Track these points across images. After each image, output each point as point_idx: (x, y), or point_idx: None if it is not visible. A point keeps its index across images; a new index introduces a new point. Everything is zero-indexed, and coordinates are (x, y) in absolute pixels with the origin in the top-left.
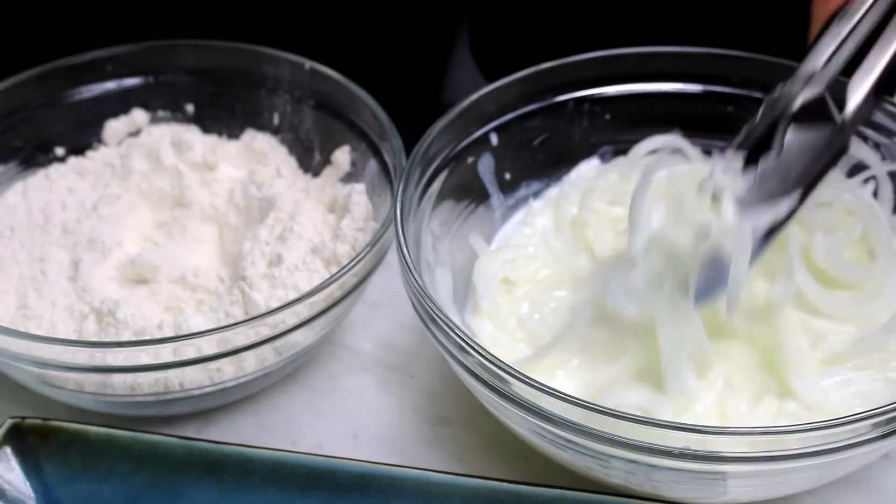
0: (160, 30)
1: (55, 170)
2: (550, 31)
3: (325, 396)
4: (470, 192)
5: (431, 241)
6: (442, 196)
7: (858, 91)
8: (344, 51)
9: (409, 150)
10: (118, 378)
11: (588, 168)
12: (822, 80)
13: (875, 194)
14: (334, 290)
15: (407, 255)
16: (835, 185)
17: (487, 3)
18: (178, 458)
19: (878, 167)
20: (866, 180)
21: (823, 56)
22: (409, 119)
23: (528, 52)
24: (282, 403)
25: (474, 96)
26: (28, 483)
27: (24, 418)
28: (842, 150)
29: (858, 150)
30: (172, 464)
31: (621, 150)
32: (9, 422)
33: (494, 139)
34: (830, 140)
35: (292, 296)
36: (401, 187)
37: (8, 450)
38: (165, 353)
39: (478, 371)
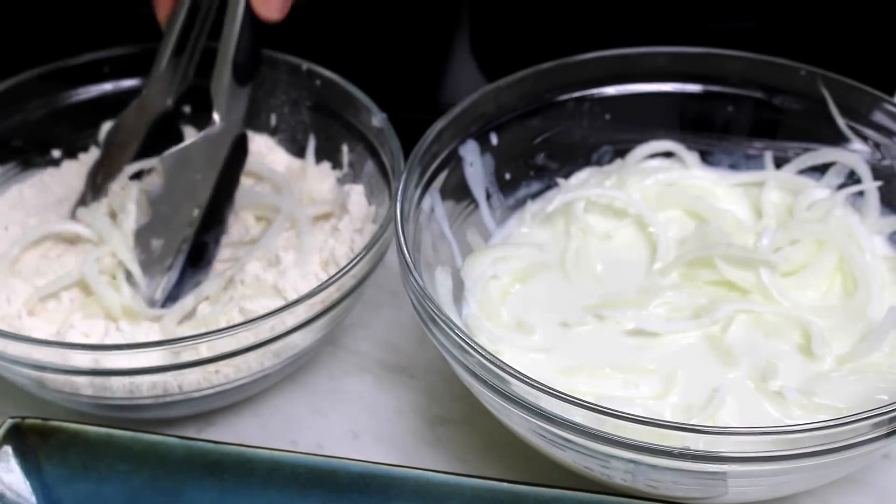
0: (160, 30)
1: (49, 174)
2: (550, 31)
3: (324, 396)
4: (470, 192)
5: (431, 241)
6: (442, 196)
7: (219, 83)
8: (344, 51)
9: (408, 150)
10: (117, 381)
11: (586, 173)
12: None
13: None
14: (332, 292)
15: (407, 255)
16: (802, 216)
17: (488, 3)
18: (178, 458)
19: (866, 174)
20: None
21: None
22: (408, 119)
23: (528, 52)
24: (282, 403)
25: (474, 96)
26: (28, 483)
27: (24, 418)
28: (232, 155)
29: (847, 158)
30: (172, 464)
31: (621, 150)
32: (9, 422)
33: (494, 139)
34: (205, 146)
35: (291, 298)
36: (400, 187)
37: (8, 450)
38: (164, 356)
39: (478, 371)
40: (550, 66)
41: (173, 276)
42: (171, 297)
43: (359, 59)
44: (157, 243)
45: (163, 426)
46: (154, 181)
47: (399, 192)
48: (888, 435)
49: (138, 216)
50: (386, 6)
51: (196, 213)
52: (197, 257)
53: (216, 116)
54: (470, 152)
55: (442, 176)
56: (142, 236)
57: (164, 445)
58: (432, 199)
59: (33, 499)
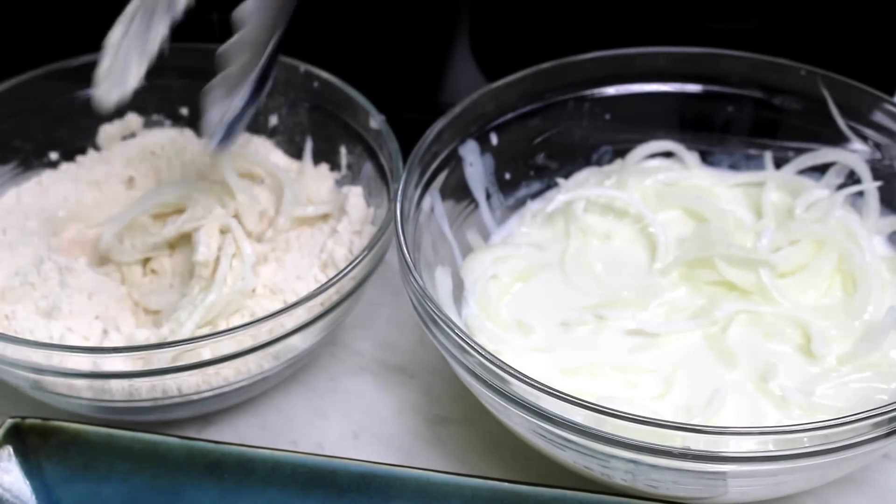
0: None
1: (48, 176)
2: (550, 30)
3: (325, 396)
4: (470, 192)
5: (431, 241)
6: (442, 196)
7: None
8: (344, 51)
9: (408, 150)
10: (116, 384)
11: (586, 173)
12: None
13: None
14: (332, 294)
15: (407, 255)
16: (802, 216)
17: (488, 3)
18: (178, 457)
19: (866, 174)
20: (841, 186)
21: None
22: (408, 119)
23: (528, 52)
24: (282, 404)
25: (474, 96)
26: (28, 483)
27: (24, 418)
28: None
29: (847, 158)
30: (172, 464)
31: (621, 150)
32: (9, 422)
33: (494, 139)
34: None
35: (290, 300)
36: (400, 187)
37: (8, 450)
38: (164, 359)
39: (478, 371)
40: (550, 66)
41: (239, 102)
42: (229, 130)
43: (359, 60)
44: (236, 64)
45: (163, 426)
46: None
47: (399, 192)
48: (888, 435)
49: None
50: (386, 6)
51: (273, 39)
52: (258, 87)
53: None
54: (470, 152)
55: (442, 176)
56: (226, 53)
57: (165, 445)
58: (432, 199)
59: (33, 499)
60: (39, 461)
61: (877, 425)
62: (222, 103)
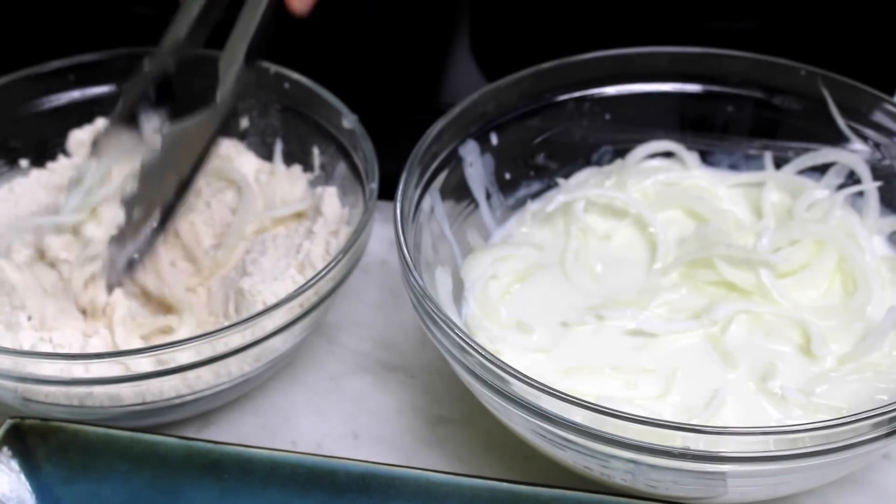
0: (159, 30)
1: (18, 183)
2: (551, 30)
3: (324, 396)
4: (470, 192)
5: (431, 241)
6: (442, 196)
7: (230, 64)
8: (343, 51)
9: (408, 150)
10: (98, 389)
11: (586, 173)
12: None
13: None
14: (310, 296)
15: (407, 255)
16: (802, 217)
17: (488, 3)
18: (177, 457)
19: (866, 174)
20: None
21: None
22: (408, 119)
23: (529, 52)
24: (282, 403)
25: (474, 96)
26: (28, 483)
27: (23, 418)
28: (217, 132)
29: (847, 158)
30: (172, 464)
31: (621, 150)
32: (8, 422)
33: (494, 139)
34: (203, 124)
35: (269, 302)
36: (401, 187)
37: (7, 450)
38: (142, 364)
39: (478, 371)
40: (550, 66)
41: (141, 242)
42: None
43: (358, 60)
44: (138, 212)
45: (162, 426)
46: (151, 153)
47: (399, 192)
48: (888, 435)
49: (131, 186)
50: (385, 6)
51: (177, 184)
52: (163, 220)
53: (220, 95)
54: (470, 152)
55: (442, 176)
56: (128, 206)
57: (164, 445)
58: (432, 199)
59: (33, 499)
60: (39, 461)
61: (877, 425)
62: (122, 253)
